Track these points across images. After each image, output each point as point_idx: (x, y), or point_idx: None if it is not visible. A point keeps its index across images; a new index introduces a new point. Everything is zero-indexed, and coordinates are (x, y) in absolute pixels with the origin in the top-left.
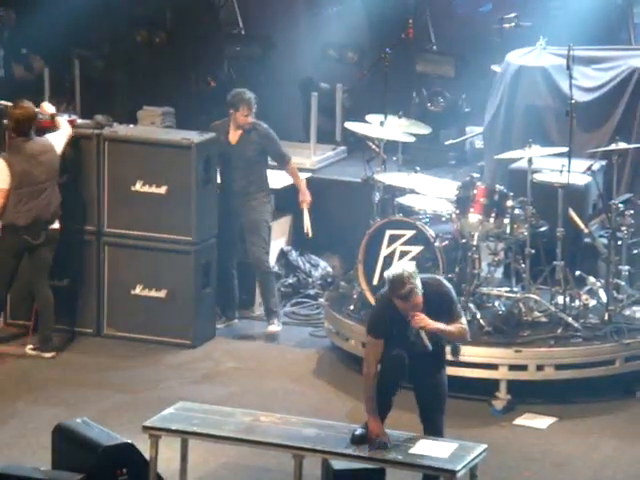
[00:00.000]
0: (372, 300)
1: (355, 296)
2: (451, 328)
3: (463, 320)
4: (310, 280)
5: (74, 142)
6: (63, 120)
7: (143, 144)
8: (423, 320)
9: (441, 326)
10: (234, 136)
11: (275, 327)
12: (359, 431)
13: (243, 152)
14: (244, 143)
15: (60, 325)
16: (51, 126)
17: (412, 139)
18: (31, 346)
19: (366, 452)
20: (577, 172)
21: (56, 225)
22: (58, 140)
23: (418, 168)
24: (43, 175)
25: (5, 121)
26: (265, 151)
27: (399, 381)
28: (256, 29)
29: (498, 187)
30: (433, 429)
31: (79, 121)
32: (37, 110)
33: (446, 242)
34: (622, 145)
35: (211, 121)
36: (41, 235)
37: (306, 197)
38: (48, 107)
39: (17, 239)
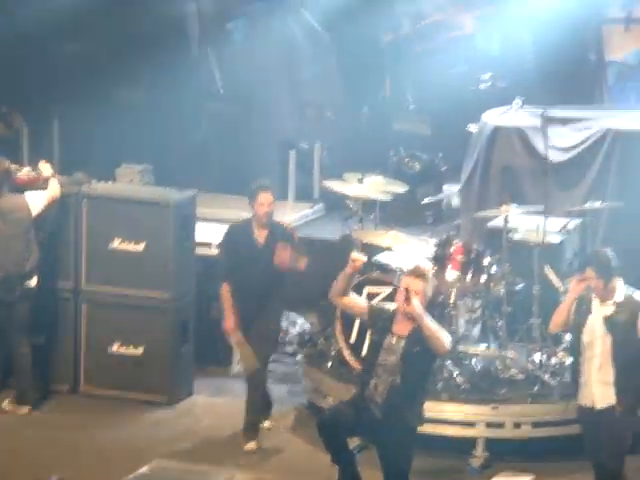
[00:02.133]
0: (349, 358)
1: (333, 353)
2: (435, 325)
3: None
4: (287, 337)
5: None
6: (55, 182)
7: (122, 201)
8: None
9: (425, 316)
10: (260, 236)
11: (254, 445)
12: None
13: (270, 255)
14: (271, 244)
15: (36, 382)
16: (30, 183)
17: (389, 197)
18: (7, 401)
19: None
20: (553, 231)
21: (33, 282)
22: (37, 200)
23: (394, 226)
24: (9, 231)
25: None
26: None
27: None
28: (235, 88)
29: (475, 245)
30: None
31: (58, 178)
32: (10, 166)
33: None
34: (596, 204)
35: (190, 179)
36: (16, 291)
37: None
38: (45, 168)
39: None
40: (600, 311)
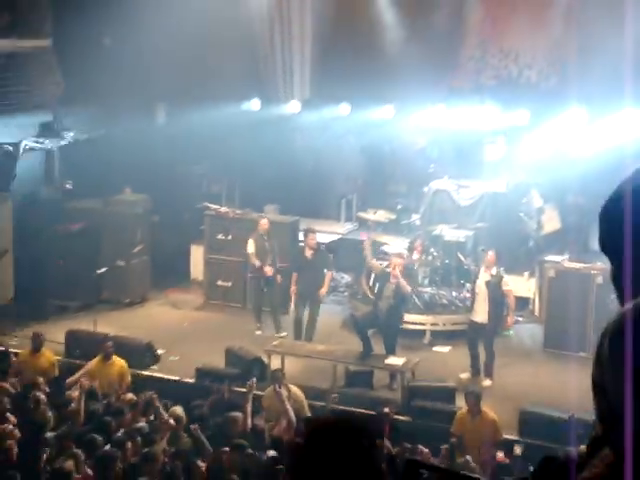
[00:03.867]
0: (369, 292)
1: (361, 291)
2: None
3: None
4: (341, 284)
5: None
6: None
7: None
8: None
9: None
10: (308, 254)
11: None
12: (360, 353)
13: (315, 263)
14: (316, 258)
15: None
16: (226, 215)
17: (387, 220)
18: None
19: (364, 365)
20: (462, 236)
21: None
22: None
23: (389, 233)
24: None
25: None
26: (324, 260)
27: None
28: (318, 170)
29: (426, 243)
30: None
31: (238, 211)
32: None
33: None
34: (481, 225)
35: (296, 212)
36: None
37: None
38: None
39: None
40: (484, 276)
